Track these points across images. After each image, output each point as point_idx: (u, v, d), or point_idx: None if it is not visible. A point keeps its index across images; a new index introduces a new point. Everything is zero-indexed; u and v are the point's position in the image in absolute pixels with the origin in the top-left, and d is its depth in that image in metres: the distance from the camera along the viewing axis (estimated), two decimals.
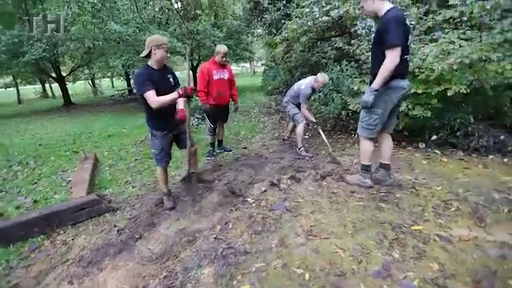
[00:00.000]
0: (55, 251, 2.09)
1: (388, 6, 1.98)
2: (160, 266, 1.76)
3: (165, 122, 2.30)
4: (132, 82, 16.74)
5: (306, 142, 4.19)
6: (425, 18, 3.81)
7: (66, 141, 5.76)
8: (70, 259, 1.97)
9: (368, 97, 2.03)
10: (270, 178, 2.51)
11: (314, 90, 3.67)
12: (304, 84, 3.61)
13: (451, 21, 3.44)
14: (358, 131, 2.36)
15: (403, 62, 1.95)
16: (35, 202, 2.94)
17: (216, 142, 4.12)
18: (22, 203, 2.92)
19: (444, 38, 3.27)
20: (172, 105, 2.25)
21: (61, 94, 13.78)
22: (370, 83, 2.10)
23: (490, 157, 2.96)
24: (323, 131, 3.65)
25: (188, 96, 2.16)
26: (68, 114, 10.15)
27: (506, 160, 2.85)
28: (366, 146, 2.30)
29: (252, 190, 2.28)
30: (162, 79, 2.17)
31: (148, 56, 2.14)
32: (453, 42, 3.13)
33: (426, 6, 4.13)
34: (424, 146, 3.47)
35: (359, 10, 4.39)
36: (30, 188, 3.33)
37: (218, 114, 3.85)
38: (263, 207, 1.98)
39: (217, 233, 1.73)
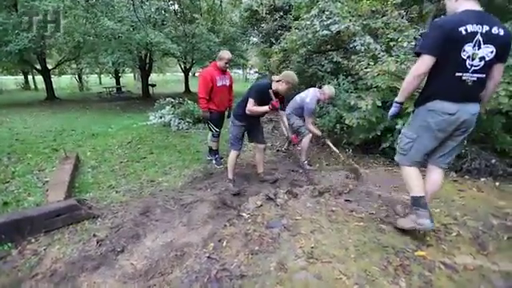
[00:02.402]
0: (23, 263, 1.86)
1: (466, 6, 1.52)
2: (144, 284, 1.59)
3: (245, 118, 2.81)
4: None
5: (296, 154, 4.12)
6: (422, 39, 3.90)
7: (45, 137, 5.41)
8: (40, 273, 1.75)
9: (391, 109, 1.78)
10: (265, 191, 2.40)
11: (318, 103, 3.57)
12: (309, 97, 3.50)
13: None
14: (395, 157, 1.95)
15: (451, 80, 1.53)
16: (5, 204, 2.67)
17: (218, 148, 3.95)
18: None
19: None
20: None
21: (44, 87, 13.17)
22: (416, 104, 1.74)
23: (482, 179, 2.99)
24: (324, 143, 3.55)
25: (275, 109, 2.62)
26: (50, 109, 9.66)
27: (497, 184, 2.89)
28: (405, 173, 1.81)
29: (247, 204, 2.16)
30: (268, 97, 2.64)
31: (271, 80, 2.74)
32: None
33: (422, 30, 4.24)
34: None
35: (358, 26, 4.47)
36: (0, 188, 3.04)
37: (218, 119, 3.72)
38: (259, 224, 1.86)
39: (210, 251, 1.58)
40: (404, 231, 1.83)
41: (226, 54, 3.41)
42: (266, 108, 2.62)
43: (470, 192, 2.63)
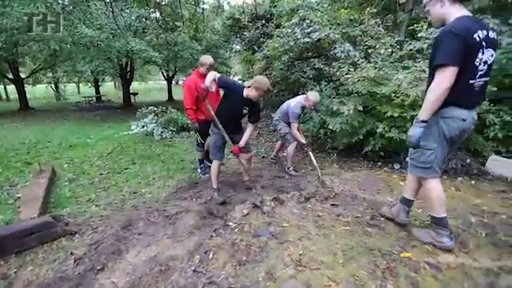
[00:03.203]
0: None
1: (460, 12, 1.51)
2: None
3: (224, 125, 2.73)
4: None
5: (282, 160, 4.13)
6: (397, 46, 4.08)
7: (18, 150, 5.11)
8: None
9: (413, 130, 1.57)
10: (252, 199, 2.37)
11: (303, 109, 3.61)
12: (294, 102, 3.54)
13: (424, 51, 3.69)
14: (409, 171, 1.85)
15: (465, 87, 1.50)
16: None
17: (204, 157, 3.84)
18: None
19: (416, 66, 3.50)
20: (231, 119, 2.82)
21: (17, 97, 12.52)
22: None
23: (459, 179, 3.12)
24: (311, 152, 3.56)
25: (235, 155, 2.83)
26: (24, 120, 9.17)
27: (473, 182, 3.03)
28: (431, 188, 1.69)
29: (233, 213, 2.12)
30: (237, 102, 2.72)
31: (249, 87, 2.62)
32: (424, 71, 3.34)
33: (398, 37, 4.45)
34: (399, 166, 3.59)
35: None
36: None
37: (207, 129, 3.62)
38: (246, 233, 1.82)
39: (195, 264, 1.53)
40: (389, 233, 1.86)
41: (207, 59, 3.32)
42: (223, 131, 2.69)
43: (449, 191, 2.73)
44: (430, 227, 1.80)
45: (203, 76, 3.37)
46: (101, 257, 1.96)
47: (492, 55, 1.53)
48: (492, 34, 1.52)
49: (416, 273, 1.48)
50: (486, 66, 1.52)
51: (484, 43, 1.47)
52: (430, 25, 3.66)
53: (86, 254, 2.00)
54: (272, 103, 7.84)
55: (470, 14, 1.55)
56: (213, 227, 2.26)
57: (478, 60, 1.48)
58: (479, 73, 1.52)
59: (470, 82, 1.52)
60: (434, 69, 1.53)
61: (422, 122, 1.56)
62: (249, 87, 2.58)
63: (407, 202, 1.92)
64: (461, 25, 1.46)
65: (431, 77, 1.57)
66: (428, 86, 1.59)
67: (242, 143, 2.75)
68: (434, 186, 1.70)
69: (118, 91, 18.90)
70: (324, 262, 1.52)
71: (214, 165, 2.91)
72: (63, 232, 2.25)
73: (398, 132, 3.32)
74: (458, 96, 1.51)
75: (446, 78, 1.45)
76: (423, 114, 1.55)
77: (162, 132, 5.93)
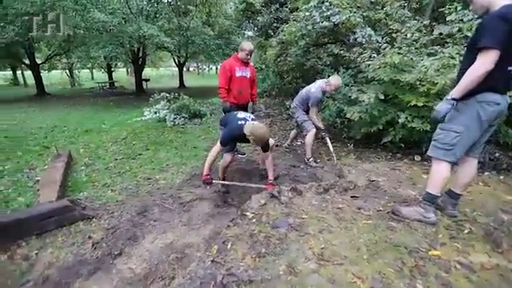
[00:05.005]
0: (13, 269, 1.75)
1: (504, 0, 1.52)
2: None
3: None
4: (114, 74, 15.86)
5: (297, 149, 4.03)
6: (424, 31, 3.81)
7: (36, 134, 5.22)
8: (32, 280, 1.65)
9: (442, 106, 1.61)
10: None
11: (324, 94, 3.47)
12: (314, 87, 3.41)
13: (454, 36, 3.43)
14: (429, 152, 1.85)
15: (503, 73, 1.53)
16: None
17: None
18: None
19: (443, 52, 3.26)
20: None
21: (34, 82, 12.79)
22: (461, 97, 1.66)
23: (486, 173, 2.95)
24: (322, 138, 3.45)
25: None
26: (40, 105, 9.37)
27: (502, 177, 2.85)
28: (440, 170, 1.76)
29: (250, 203, 2.06)
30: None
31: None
32: (453, 57, 3.11)
33: (426, 21, 4.15)
34: (420, 159, 3.42)
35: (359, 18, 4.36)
36: None
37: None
38: (265, 224, 1.77)
39: (214, 254, 1.49)
40: (415, 229, 1.76)
41: (247, 45, 3.27)
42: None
43: (477, 187, 2.58)
44: (417, 205, 1.90)
45: (241, 61, 3.28)
46: (118, 242, 1.96)
47: None
48: None
49: (447, 273, 1.39)
50: None
51: None
52: (464, 6, 3.38)
53: (103, 239, 2.01)
54: (286, 91, 7.66)
55: None
56: (228, 216, 2.22)
57: None
58: None
59: (509, 68, 1.54)
60: (476, 51, 1.51)
61: (453, 99, 1.59)
62: (249, 136, 2.35)
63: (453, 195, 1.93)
64: (510, 10, 1.47)
65: (468, 60, 1.58)
66: (462, 68, 1.63)
67: (270, 176, 2.59)
68: (445, 170, 1.76)
69: (131, 77, 18.99)
70: (347, 257, 1.45)
71: (224, 158, 2.78)
72: (81, 216, 2.27)
73: (422, 122, 3.13)
74: (495, 81, 1.53)
75: (489, 60, 1.46)
76: (457, 92, 1.58)
77: (175, 118, 5.90)
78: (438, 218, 1.91)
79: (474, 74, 1.49)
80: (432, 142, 1.83)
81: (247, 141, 2.50)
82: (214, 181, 2.54)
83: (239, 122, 2.51)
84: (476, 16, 3.06)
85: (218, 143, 2.51)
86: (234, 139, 2.63)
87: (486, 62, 1.46)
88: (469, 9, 3.02)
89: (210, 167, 2.50)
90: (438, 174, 1.78)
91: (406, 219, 1.85)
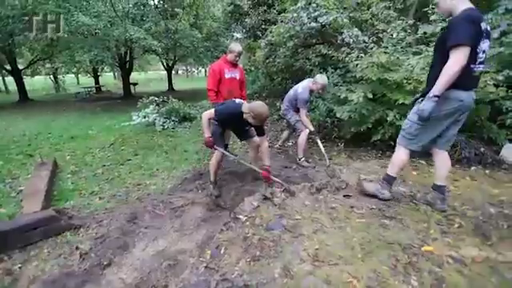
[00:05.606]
0: None
1: (466, 5, 1.67)
2: None
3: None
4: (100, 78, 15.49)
5: (288, 149, 4.03)
6: (409, 30, 3.89)
7: (18, 142, 5.03)
8: None
9: (427, 104, 1.70)
10: (261, 191, 2.28)
11: (311, 94, 3.47)
12: (301, 87, 3.39)
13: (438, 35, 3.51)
14: (397, 140, 2.07)
15: (466, 71, 1.63)
16: None
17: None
18: None
19: (428, 51, 3.34)
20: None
21: (16, 88, 12.37)
22: (423, 95, 1.81)
23: (473, 168, 3.02)
24: (319, 140, 3.45)
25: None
26: (23, 112, 9.06)
27: (487, 172, 2.93)
28: (399, 155, 2.02)
29: (243, 206, 2.04)
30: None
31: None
32: None
33: (410, 21, 4.24)
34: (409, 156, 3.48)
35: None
36: None
37: None
38: (258, 226, 1.75)
39: (207, 260, 1.46)
40: (407, 226, 1.78)
41: (236, 46, 3.25)
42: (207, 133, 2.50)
43: (464, 181, 2.64)
44: (377, 182, 2.20)
45: (230, 62, 3.25)
46: (107, 251, 1.90)
47: (488, 45, 1.74)
48: (488, 27, 1.72)
49: (440, 267, 1.40)
50: (483, 55, 1.71)
51: (485, 34, 1.67)
52: None
53: (91, 249, 1.94)
54: (275, 92, 7.67)
55: (473, 6, 1.69)
56: (221, 220, 2.19)
57: (479, 48, 1.67)
58: (479, 60, 1.70)
59: (471, 66, 1.67)
60: (448, 49, 1.63)
61: (435, 96, 1.68)
62: (247, 113, 2.29)
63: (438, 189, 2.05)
64: (473, 13, 1.64)
65: (438, 60, 1.75)
66: (433, 70, 1.79)
67: (266, 163, 2.55)
68: (404, 155, 2.01)
69: (118, 82, 18.66)
70: (342, 257, 1.45)
71: (214, 157, 2.75)
72: (67, 226, 2.19)
73: None
74: (458, 79, 1.63)
75: (462, 56, 1.58)
76: (438, 90, 1.67)
77: (164, 122, 5.82)
78: (428, 213, 1.95)
79: (451, 69, 1.60)
80: (400, 132, 2.05)
81: (240, 125, 2.53)
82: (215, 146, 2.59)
83: (237, 101, 2.49)
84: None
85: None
86: (227, 119, 2.50)
87: (460, 57, 1.58)
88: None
89: (215, 172, 2.75)
90: (398, 159, 2.04)
91: (365, 192, 2.18)
